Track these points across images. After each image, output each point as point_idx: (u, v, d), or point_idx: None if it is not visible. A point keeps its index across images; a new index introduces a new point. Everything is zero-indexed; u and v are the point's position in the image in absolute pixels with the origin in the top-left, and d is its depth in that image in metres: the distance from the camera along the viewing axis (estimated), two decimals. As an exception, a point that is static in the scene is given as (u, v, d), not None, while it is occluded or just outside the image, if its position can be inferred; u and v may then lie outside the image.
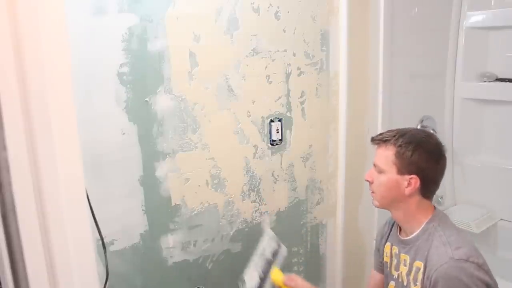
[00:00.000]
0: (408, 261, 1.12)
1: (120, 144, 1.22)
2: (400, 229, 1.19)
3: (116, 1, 1.15)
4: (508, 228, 2.05)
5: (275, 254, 1.35)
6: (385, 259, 1.24)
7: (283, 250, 1.35)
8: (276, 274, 1.30)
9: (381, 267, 1.30)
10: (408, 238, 1.13)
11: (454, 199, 2.24)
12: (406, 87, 1.93)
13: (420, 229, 1.10)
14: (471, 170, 2.17)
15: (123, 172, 1.24)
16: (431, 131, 2.01)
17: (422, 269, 1.05)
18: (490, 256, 2.04)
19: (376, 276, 1.33)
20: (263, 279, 1.29)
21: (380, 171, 1.12)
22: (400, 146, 1.08)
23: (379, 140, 1.13)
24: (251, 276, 1.30)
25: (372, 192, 1.16)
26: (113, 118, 1.20)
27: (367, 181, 1.17)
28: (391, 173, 1.09)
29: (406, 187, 1.08)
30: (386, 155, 1.10)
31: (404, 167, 1.08)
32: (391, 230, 1.25)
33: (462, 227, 1.99)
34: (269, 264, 1.32)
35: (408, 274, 1.11)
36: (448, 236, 1.04)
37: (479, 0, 2.04)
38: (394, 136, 1.10)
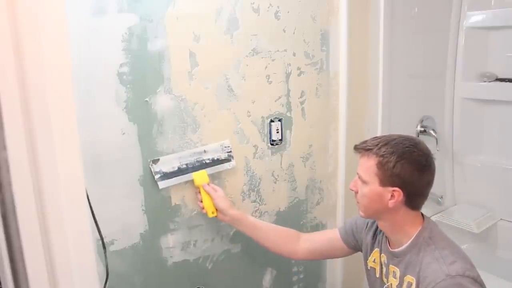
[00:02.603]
0: (398, 274, 1.09)
1: (120, 144, 1.22)
2: (389, 240, 1.15)
3: (116, 1, 1.15)
4: (508, 228, 2.05)
5: (216, 161, 1.32)
6: (371, 265, 1.21)
7: (228, 165, 1.30)
8: (200, 175, 1.27)
9: (348, 239, 1.28)
10: (397, 250, 1.09)
11: (454, 199, 2.24)
12: (406, 87, 1.93)
13: (409, 241, 1.06)
14: (471, 170, 2.17)
15: (123, 172, 1.24)
16: (431, 132, 2.01)
17: (414, 285, 1.02)
18: (490, 256, 2.05)
19: (336, 238, 1.30)
20: (181, 170, 1.26)
21: (363, 182, 1.07)
22: (382, 156, 1.03)
23: (362, 149, 1.08)
24: (169, 161, 1.27)
25: (357, 202, 1.12)
26: (113, 118, 1.20)
27: (352, 190, 1.13)
28: (374, 185, 1.04)
29: (390, 200, 1.03)
30: (368, 166, 1.05)
31: (387, 179, 1.03)
32: (376, 232, 1.21)
33: (462, 227, 1.99)
34: (199, 164, 1.31)
35: (399, 287, 1.08)
36: (440, 249, 1.01)
37: (479, 0, 2.04)
38: (377, 145, 1.05)
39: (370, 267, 1.22)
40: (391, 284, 1.12)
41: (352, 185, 1.13)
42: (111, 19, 1.16)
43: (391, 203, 1.04)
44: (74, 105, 0.54)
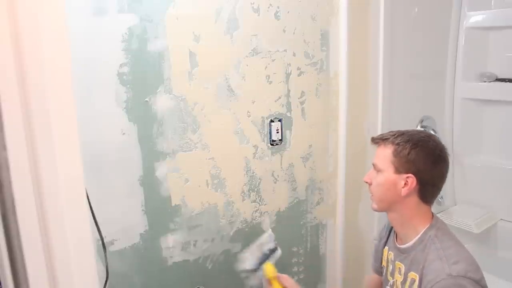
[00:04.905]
0: (403, 271, 1.10)
1: (120, 144, 1.22)
2: (397, 235, 1.16)
3: (116, 1, 1.16)
4: (508, 228, 2.04)
5: (271, 252, 1.35)
6: (383, 263, 1.23)
7: (278, 253, 1.35)
8: (269, 268, 1.29)
9: (379, 269, 1.29)
10: (404, 246, 1.11)
11: (454, 199, 2.24)
12: (406, 87, 1.93)
13: (416, 238, 1.07)
14: (471, 170, 2.17)
15: (123, 172, 1.25)
16: (433, 133, 2.01)
17: (417, 282, 1.03)
18: (490, 256, 2.05)
19: (375, 278, 1.33)
20: (257, 266, 1.29)
21: (378, 170, 1.10)
22: (398, 144, 1.06)
23: (379, 139, 1.12)
24: (248, 258, 1.30)
25: (371, 195, 1.14)
26: (113, 118, 1.20)
27: (366, 182, 1.15)
28: (389, 173, 1.07)
29: (403, 187, 1.05)
30: (385, 154, 1.09)
31: (401, 166, 1.06)
32: (389, 233, 1.23)
33: (462, 227, 1.99)
34: (264, 258, 1.33)
35: (403, 283, 1.09)
36: (445, 249, 1.01)
37: (479, 0, 2.04)
38: (394, 135, 1.09)
39: (383, 265, 1.24)
40: (396, 280, 1.13)
41: (367, 177, 1.15)
42: (111, 19, 1.16)
43: (404, 190, 1.05)
44: (74, 105, 0.54)
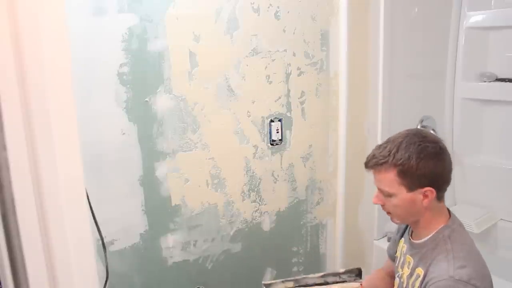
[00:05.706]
0: (411, 265, 1.09)
1: (120, 144, 1.22)
2: (412, 231, 1.15)
3: (116, 1, 1.16)
4: (508, 228, 2.04)
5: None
6: (397, 253, 1.22)
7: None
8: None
9: (393, 256, 1.28)
10: (416, 242, 1.10)
11: (454, 199, 2.24)
12: (406, 87, 1.93)
13: (430, 236, 1.06)
14: (471, 170, 2.17)
15: (123, 172, 1.25)
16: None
17: (421, 278, 1.02)
18: (490, 256, 2.05)
19: (390, 264, 1.31)
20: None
21: (389, 195, 1.05)
22: (401, 164, 1.00)
23: (375, 164, 1.05)
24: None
25: (388, 213, 1.10)
26: (113, 118, 1.21)
27: (378, 204, 1.10)
28: (402, 194, 1.02)
29: (423, 200, 1.02)
30: (389, 178, 1.02)
31: (413, 183, 1.01)
32: (407, 226, 1.21)
33: (462, 227, 1.99)
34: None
35: (409, 277, 1.09)
36: (455, 251, 0.99)
37: (479, 0, 2.04)
38: (389, 154, 1.02)
39: (396, 256, 1.23)
40: (403, 273, 1.13)
41: (376, 200, 1.10)
42: (111, 19, 1.16)
43: (425, 202, 1.03)
44: (74, 105, 0.54)
